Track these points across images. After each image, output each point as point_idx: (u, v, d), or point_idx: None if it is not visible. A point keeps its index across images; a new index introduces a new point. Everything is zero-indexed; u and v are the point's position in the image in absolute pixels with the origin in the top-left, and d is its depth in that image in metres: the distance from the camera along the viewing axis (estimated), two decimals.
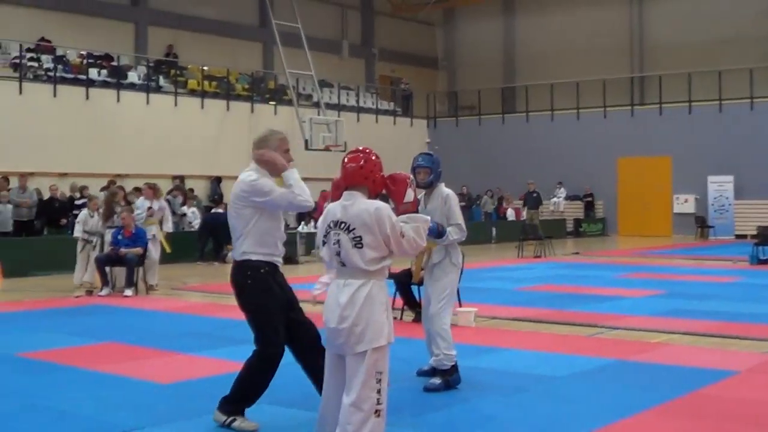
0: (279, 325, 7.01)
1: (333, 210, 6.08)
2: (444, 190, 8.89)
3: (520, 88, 43.81)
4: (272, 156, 7.04)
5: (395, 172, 6.61)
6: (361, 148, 6.27)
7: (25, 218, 22.91)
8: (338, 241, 5.95)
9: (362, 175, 6.07)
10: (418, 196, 8.15)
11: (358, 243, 5.90)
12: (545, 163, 39.67)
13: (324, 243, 6.10)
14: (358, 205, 5.97)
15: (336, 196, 6.49)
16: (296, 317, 7.19)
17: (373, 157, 6.16)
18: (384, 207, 5.94)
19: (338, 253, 5.97)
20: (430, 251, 8.74)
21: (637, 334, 11.88)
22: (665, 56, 41.20)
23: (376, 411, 5.79)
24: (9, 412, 7.81)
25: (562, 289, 16.04)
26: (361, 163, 6.09)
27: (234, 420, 7.07)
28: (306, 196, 6.94)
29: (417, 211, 6.91)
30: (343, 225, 5.95)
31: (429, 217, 6.48)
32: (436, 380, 8.50)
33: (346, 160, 6.17)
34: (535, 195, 35.99)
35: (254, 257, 7.00)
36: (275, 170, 7.05)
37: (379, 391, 5.81)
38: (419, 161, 8.89)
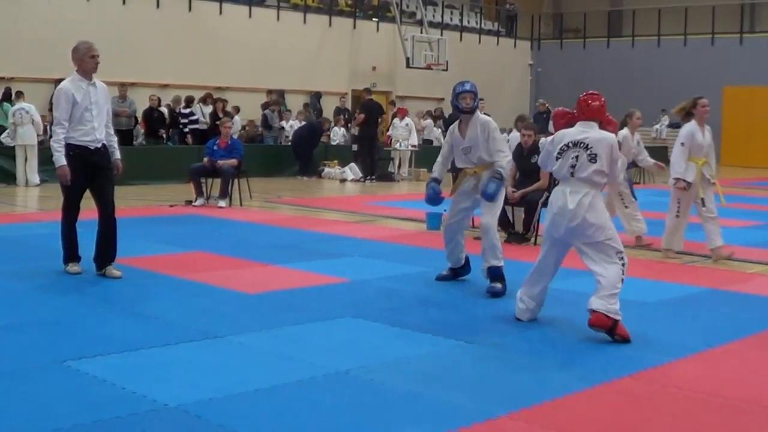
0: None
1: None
2: (482, 117, 9.40)
3: (627, 12, 42.78)
4: None
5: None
6: (596, 93, 7.69)
7: (123, 127, 23.07)
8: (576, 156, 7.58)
9: (602, 112, 7.71)
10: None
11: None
12: (649, 90, 38.64)
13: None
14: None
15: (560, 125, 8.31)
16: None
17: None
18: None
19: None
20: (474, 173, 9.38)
21: (732, 264, 11.61)
22: None
23: None
24: (101, 315, 7.97)
25: (657, 216, 15.68)
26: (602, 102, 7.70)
27: (66, 266, 9.67)
28: None
29: None
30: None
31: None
32: (498, 285, 9.15)
33: (589, 99, 7.64)
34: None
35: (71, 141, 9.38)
36: None
37: None
38: (466, 87, 9.31)
